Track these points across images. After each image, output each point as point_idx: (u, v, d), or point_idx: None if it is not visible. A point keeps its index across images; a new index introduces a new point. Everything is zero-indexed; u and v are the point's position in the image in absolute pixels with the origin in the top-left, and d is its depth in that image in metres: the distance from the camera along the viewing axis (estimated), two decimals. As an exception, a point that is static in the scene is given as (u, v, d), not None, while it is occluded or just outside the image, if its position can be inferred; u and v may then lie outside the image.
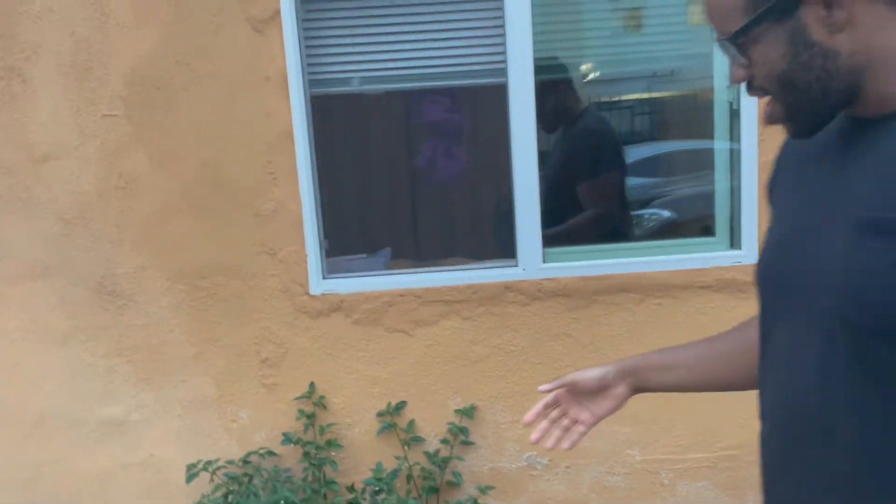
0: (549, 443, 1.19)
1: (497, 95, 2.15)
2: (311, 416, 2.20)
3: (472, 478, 2.24)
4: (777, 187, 1.02)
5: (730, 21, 0.86)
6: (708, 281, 2.17)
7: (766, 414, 0.97)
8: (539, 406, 1.20)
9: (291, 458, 2.24)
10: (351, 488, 2.17)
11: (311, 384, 2.21)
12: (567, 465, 2.27)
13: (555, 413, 1.20)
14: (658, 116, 2.69)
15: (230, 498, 2.00)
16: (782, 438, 0.93)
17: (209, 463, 2.19)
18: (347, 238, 2.30)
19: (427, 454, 2.23)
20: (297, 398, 2.21)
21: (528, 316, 2.19)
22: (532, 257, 2.16)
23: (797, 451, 0.90)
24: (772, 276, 0.95)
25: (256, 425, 2.24)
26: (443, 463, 2.21)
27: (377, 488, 2.13)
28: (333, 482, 2.13)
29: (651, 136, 2.74)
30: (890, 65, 0.81)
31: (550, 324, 2.20)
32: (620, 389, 1.16)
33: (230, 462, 2.21)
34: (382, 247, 2.30)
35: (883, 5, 0.80)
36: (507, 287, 2.18)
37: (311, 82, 2.13)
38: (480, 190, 2.28)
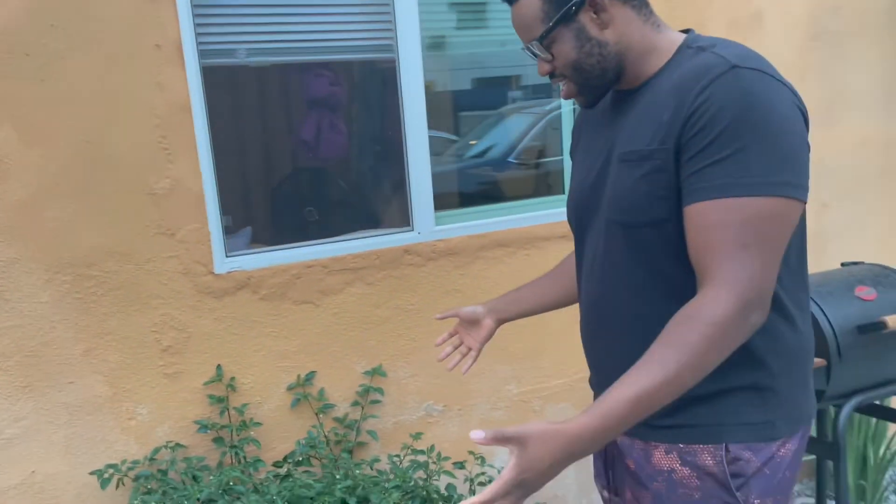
0: (449, 364, 1.64)
1: (388, 70, 2.27)
2: (222, 400, 2.13)
3: (380, 434, 2.36)
4: (575, 146, 1.47)
5: (533, 29, 1.22)
6: (563, 231, 2.55)
7: (581, 302, 1.41)
8: (445, 335, 1.68)
9: (200, 448, 2.14)
10: (279, 463, 2.15)
11: (219, 367, 2.14)
12: (459, 407, 2.51)
13: (455, 339, 1.67)
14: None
15: (156, 500, 1.87)
16: (591, 315, 1.38)
17: (113, 466, 2.01)
18: (245, 214, 2.24)
19: (337, 419, 2.29)
20: (206, 383, 2.12)
21: (423, 276, 2.37)
22: (426, 221, 2.34)
23: (601, 321, 1.35)
24: (576, 206, 1.38)
25: (158, 420, 2.10)
26: (353, 425, 2.29)
27: (301, 457, 2.15)
28: (259, 460, 2.10)
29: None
30: (637, 50, 1.24)
31: (443, 281, 2.40)
32: (487, 321, 1.62)
33: (136, 462, 2.05)
34: (280, 220, 2.29)
35: (630, 9, 1.23)
36: (406, 250, 2.33)
37: (200, 53, 2.04)
38: (376, 161, 2.38)
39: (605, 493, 1.44)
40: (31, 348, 1.94)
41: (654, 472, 1.24)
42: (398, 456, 2.21)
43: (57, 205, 1.91)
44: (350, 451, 2.29)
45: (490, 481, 2.18)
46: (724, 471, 1.17)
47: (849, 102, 3.05)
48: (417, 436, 2.21)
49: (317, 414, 2.26)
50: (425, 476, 2.13)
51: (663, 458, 1.23)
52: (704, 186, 1.08)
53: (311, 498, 1.80)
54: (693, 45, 1.20)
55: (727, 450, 1.17)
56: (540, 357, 2.60)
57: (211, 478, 1.91)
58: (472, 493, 2.21)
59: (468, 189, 2.66)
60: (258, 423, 2.17)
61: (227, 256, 2.12)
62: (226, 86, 2.13)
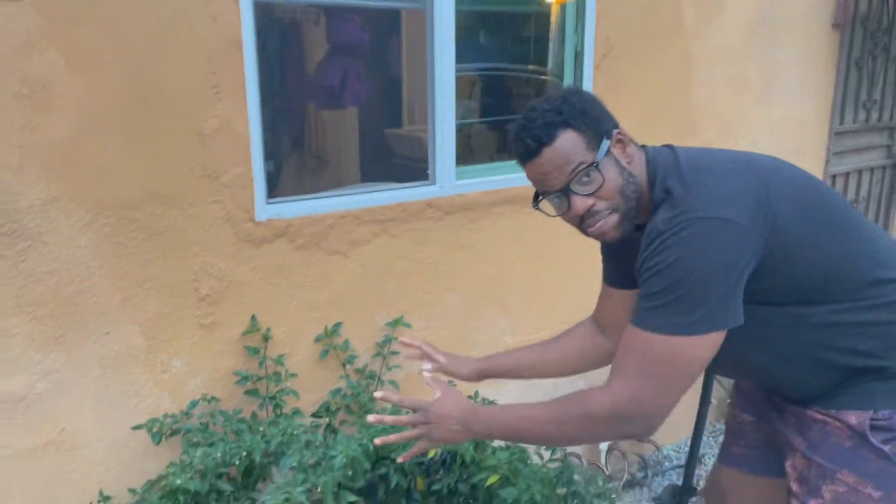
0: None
1: (420, 21, 2.27)
2: (257, 351, 2.07)
3: (393, 384, 2.39)
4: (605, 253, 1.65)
5: (578, 158, 1.31)
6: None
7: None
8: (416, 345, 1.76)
9: (232, 401, 2.08)
10: (318, 413, 2.13)
11: (253, 317, 2.07)
12: (461, 359, 2.59)
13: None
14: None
15: (207, 455, 1.80)
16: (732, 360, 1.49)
17: (154, 421, 1.91)
18: (285, 159, 2.16)
19: (358, 370, 2.30)
20: (245, 333, 2.05)
21: (440, 230, 2.42)
22: (447, 176, 2.38)
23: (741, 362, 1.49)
24: None
25: (191, 373, 2.01)
26: (374, 375, 2.31)
27: (335, 408, 2.15)
28: (298, 411, 2.07)
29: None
30: (644, 189, 1.40)
31: (457, 236, 2.46)
32: (465, 372, 1.72)
33: (172, 417, 1.95)
34: (317, 168, 2.23)
35: (633, 145, 1.42)
36: (428, 204, 2.36)
37: (249, -13, 1.94)
38: (404, 112, 2.38)
39: (745, 416, 1.62)
40: (66, 296, 1.78)
41: (811, 421, 1.43)
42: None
43: (101, 141, 1.76)
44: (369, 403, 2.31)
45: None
46: (869, 427, 1.36)
47: (778, 84, 3.43)
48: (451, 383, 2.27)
49: (343, 365, 2.26)
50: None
51: (817, 413, 1.42)
52: (636, 310, 1.30)
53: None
54: (658, 191, 1.34)
55: (876, 413, 1.36)
56: (532, 309, 2.74)
57: (271, 427, 1.87)
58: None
59: (486, 145, 2.72)
60: (294, 375, 2.13)
61: (267, 203, 2.05)
62: (276, 25, 2.04)
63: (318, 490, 1.68)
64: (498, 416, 1.43)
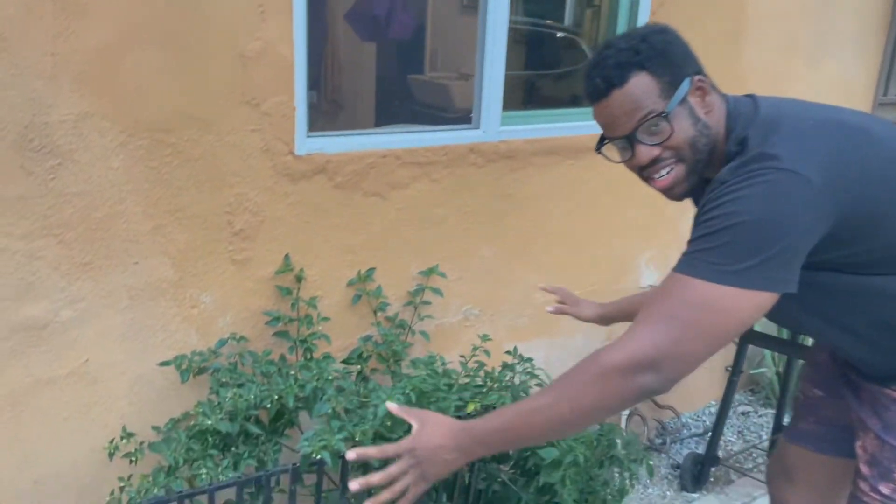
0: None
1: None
2: (290, 291, 1.98)
3: (423, 335, 2.30)
4: None
5: (649, 105, 1.21)
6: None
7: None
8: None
9: (260, 342, 1.99)
10: (349, 360, 2.05)
11: (287, 256, 1.97)
12: (491, 313, 2.51)
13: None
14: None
15: (239, 397, 1.71)
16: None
17: (182, 358, 1.82)
18: (328, 91, 2.03)
19: (389, 318, 2.21)
20: (278, 272, 1.95)
21: (481, 177, 2.31)
22: (492, 121, 2.26)
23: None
24: None
25: (221, 310, 1.91)
26: (404, 325, 2.23)
27: (366, 355, 2.07)
28: (329, 356, 1.98)
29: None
30: (721, 139, 1.28)
31: (497, 185, 2.35)
32: (588, 313, 1.88)
33: (199, 354, 1.86)
34: (360, 103, 2.11)
35: (716, 94, 1.29)
36: (471, 149, 2.24)
37: None
38: (454, 52, 2.24)
39: (816, 391, 1.53)
40: (96, 220, 1.68)
41: (889, 401, 1.34)
42: (463, 357, 2.17)
43: (137, 55, 1.64)
44: (398, 352, 2.22)
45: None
46: None
47: (829, 48, 3.29)
48: (485, 338, 2.18)
49: (374, 312, 2.17)
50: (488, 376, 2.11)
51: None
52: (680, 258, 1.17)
53: (436, 392, 1.74)
54: (733, 143, 1.23)
55: None
56: (565, 268, 2.64)
57: (304, 371, 1.78)
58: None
59: (532, 92, 2.59)
60: (326, 318, 2.04)
61: (307, 136, 1.93)
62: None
63: (357, 439, 1.60)
64: (494, 422, 1.20)
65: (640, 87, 1.21)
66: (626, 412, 3.01)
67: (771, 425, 3.03)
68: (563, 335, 2.72)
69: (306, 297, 2.01)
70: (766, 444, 3.14)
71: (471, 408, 1.82)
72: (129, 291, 1.77)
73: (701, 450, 2.94)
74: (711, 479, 2.90)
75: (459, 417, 1.85)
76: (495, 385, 1.98)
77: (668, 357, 1.09)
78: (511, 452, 1.97)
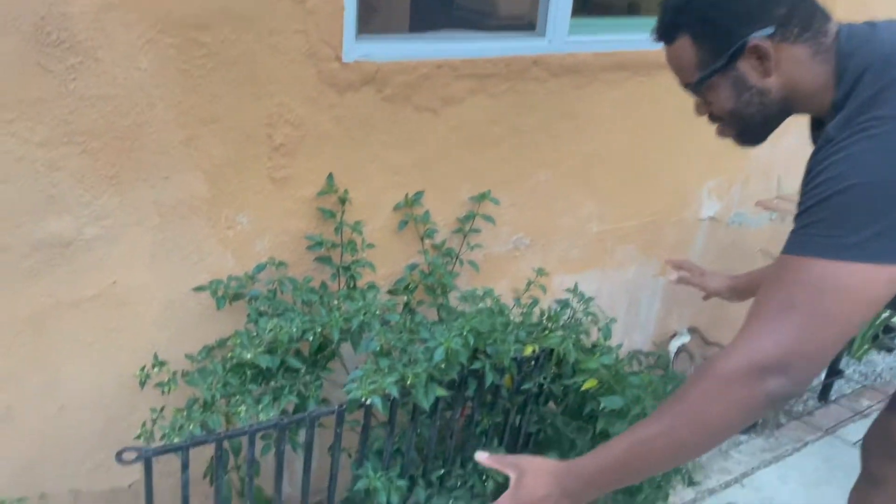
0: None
1: None
2: (333, 214, 1.81)
3: (472, 265, 2.14)
4: None
5: (688, 74, 1.18)
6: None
7: None
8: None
9: (299, 268, 1.83)
10: (394, 290, 1.90)
11: (330, 176, 1.79)
12: (542, 243, 2.33)
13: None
14: None
15: (280, 329, 1.56)
16: None
17: (218, 283, 1.67)
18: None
19: (436, 246, 2.04)
20: (320, 193, 1.78)
21: (543, 94, 2.08)
22: (560, 28, 2.02)
23: None
24: None
25: (258, 232, 1.75)
26: (451, 253, 2.06)
27: (413, 286, 1.91)
28: (374, 286, 1.82)
29: None
30: (805, 92, 1.12)
31: (560, 102, 2.12)
32: (715, 286, 1.78)
33: (236, 279, 1.71)
34: (415, 4, 1.87)
35: (802, 47, 1.09)
36: (535, 62, 2.01)
37: None
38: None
39: None
40: (123, 128, 1.49)
41: None
42: (515, 291, 2.01)
43: (169, -64, 1.41)
44: (445, 283, 2.06)
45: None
46: None
47: None
48: (541, 272, 2.01)
49: (422, 239, 2.00)
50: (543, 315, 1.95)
51: None
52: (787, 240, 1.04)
53: (493, 333, 1.59)
54: (842, 91, 1.06)
55: None
56: (623, 197, 2.44)
57: (348, 302, 1.63)
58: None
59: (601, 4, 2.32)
60: (371, 245, 1.87)
61: (356, 40, 1.71)
62: None
63: (408, 382, 1.45)
64: (603, 460, 1.08)
65: (682, 51, 1.17)
66: (673, 350, 2.87)
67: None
68: (615, 267, 2.55)
69: (350, 221, 1.83)
70: (818, 388, 3.01)
71: (528, 350, 1.67)
72: (159, 208, 1.60)
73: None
74: (760, 422, 2.78)
75: (518, 364, 1.70)
76: (551, 324, 1.82)
77: (793, 353, 0.95)
78: (564, 396, 1.84)
